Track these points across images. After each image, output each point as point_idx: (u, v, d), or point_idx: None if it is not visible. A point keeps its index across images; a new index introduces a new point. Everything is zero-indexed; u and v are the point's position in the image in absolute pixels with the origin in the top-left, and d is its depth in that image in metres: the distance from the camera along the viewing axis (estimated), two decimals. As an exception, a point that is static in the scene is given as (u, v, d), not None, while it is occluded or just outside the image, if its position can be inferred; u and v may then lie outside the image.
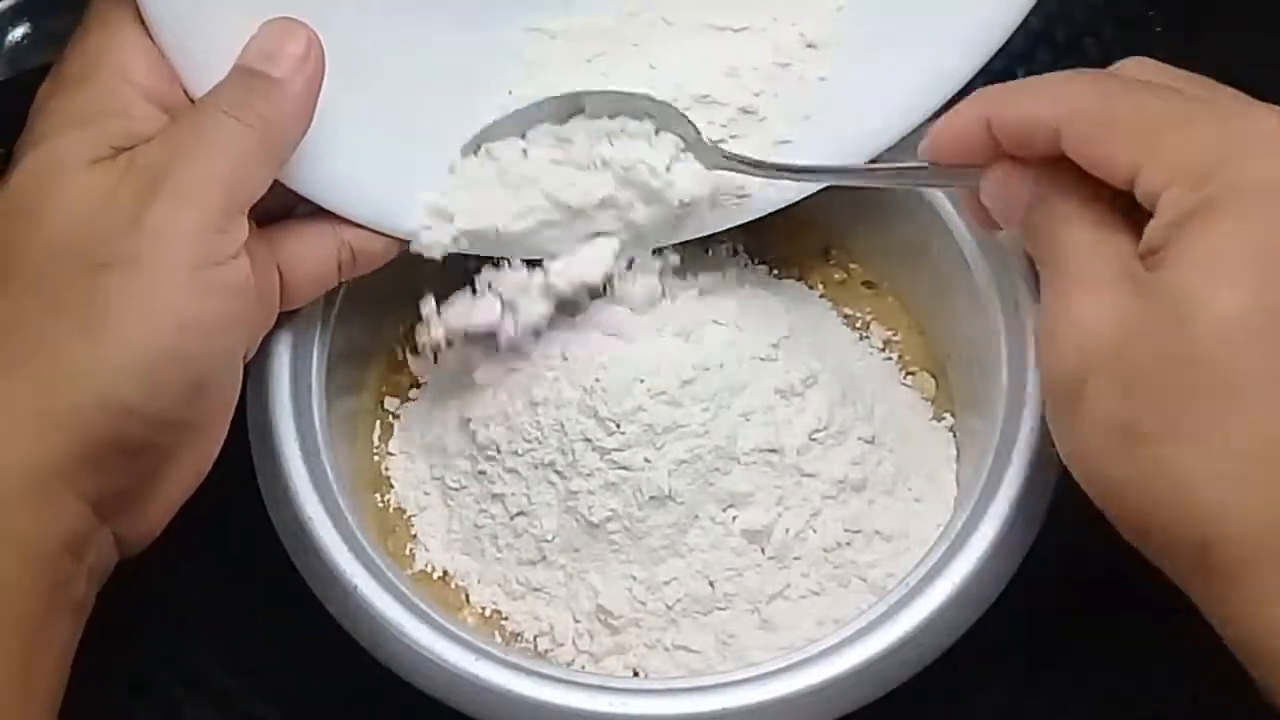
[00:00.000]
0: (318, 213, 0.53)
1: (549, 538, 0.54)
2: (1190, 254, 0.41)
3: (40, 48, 0.69)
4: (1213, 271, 0.41)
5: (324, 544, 0.50)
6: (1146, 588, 0.59)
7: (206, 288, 0.46)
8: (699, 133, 0.54)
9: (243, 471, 0.52)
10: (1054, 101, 0.45)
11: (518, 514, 0.55)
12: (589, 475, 0.53)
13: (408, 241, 0.54)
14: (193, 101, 0.49)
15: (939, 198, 0.56)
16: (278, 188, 0.50)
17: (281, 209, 0.52)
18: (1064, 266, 0.45)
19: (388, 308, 0.60)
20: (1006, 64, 0.69)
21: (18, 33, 0.68)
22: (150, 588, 0.60)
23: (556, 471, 0.54)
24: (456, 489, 0.57)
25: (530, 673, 0.48)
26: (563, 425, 0.54)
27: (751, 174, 0.54)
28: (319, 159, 0.51)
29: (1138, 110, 0.44)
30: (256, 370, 0.53)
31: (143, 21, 0.49)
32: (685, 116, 0.54)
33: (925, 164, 0.50)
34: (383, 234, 0.54)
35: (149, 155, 0.47)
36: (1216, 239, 0.41)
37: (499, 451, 0.55)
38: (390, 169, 0.53)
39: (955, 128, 0.48)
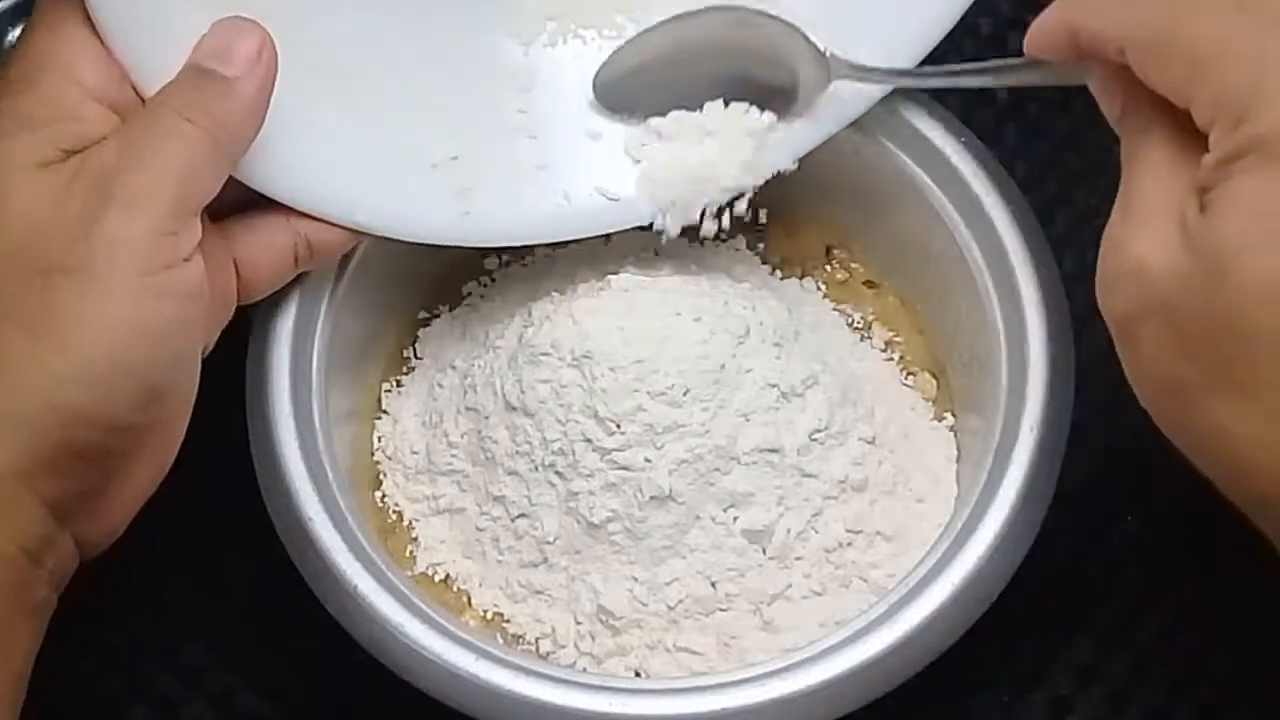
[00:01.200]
0: (272, 206, 0.53)
1: (550, 539, 0.54)
2: (1231, 207, 0.41)
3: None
4: (1252, 229, 0.40)
5: (324, 544, 0.50)
6: (1147, 587, 0.59)
7: (158, 293, 0.46)
8: (817, 47, 0.55)
9: (242, 471, 0.52)
10: (1119, 18, 0.45)
11: (519, 516, 0.55)
12: (589, 476, 0.53)
13: (364, 233, 0.54)
14: (143, 101, 0.49)
15: (939, 197, 0.56)
16: (232, 181, 0.50)
17: (236, 202, 0.52)
18: (1134, 188, 0.44)
19: (387, 307, 0.60)
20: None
21: (17, 33, 0.68)
22: (149, 587, 0.60)
23: (557, 473, 0.54)
24: (457, 492, 0.57)
25: (530, 673, 0.48)
26: (563, 425, 0.54)
27: (866, 79, 0.55)
28: (273, 153, 0.51)
29: (1189, 35, 0.43)
30: (256, 370, 0.53)
31: (90, 21, 0.48)
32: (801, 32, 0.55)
33: (1029, 61, 0.50)
34: (339, 226, 0.54)
35: (99, 158, 0.46)
36: (1255, 193, 0.40)
37: (500, 453, 0.55)
38: (344, 161, 0.54)
39: (1044, 29, 0.48)
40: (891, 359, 0.60)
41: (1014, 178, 0.56)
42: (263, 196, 0.52)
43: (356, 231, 0.54)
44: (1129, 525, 0.59)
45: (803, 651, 0.48)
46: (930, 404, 0.59)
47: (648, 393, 0.53)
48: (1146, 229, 0.43)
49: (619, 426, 0.53)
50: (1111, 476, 0.60)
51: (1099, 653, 0.57)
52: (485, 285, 0.62)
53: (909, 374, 0.60)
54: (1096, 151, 0.67)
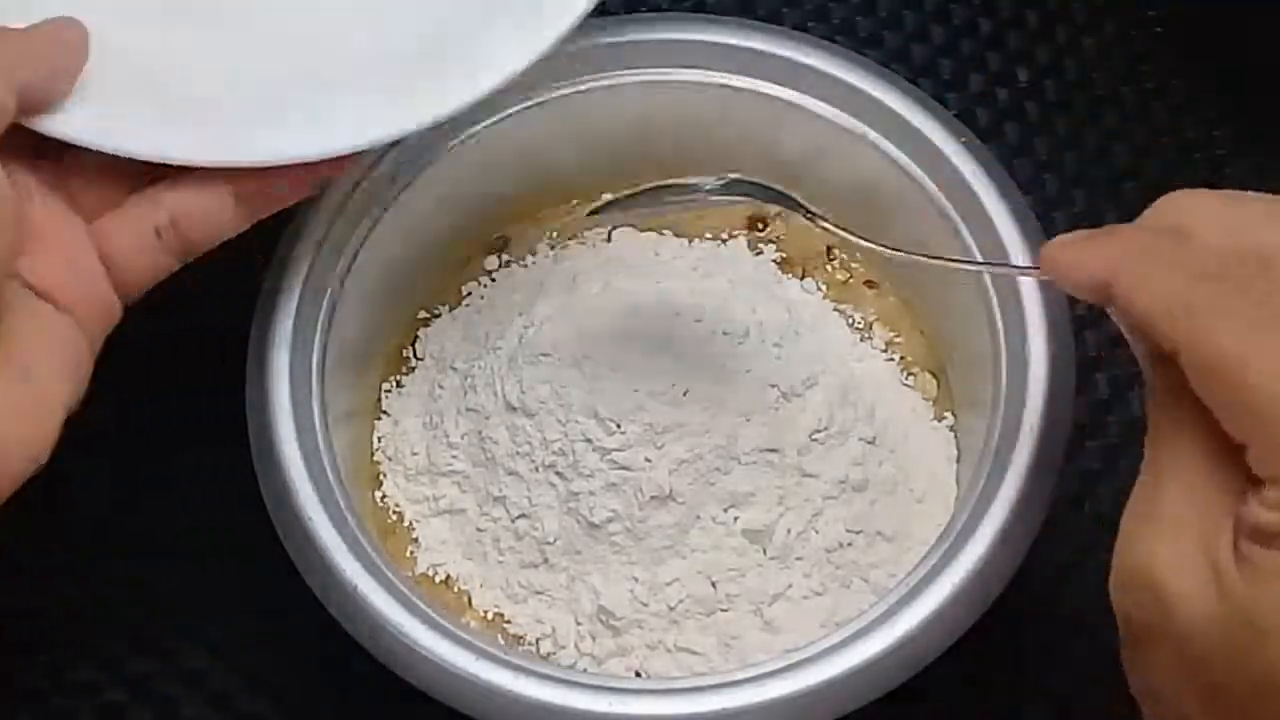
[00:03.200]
0: (132, 193, 0.50)
1: (550, 540, 0.54)
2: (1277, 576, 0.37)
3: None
4: None
5: (324, 544, 0.50)
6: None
7: None
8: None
9: (243, 472, 0.52)
10: (1182, 327, 0.39)
11: (519, 516, 0.55)
12: (590, 476, 0.53)
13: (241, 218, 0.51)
14: None
15: (941, 199, 0.56)
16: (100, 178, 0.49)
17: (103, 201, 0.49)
18: (1163, 492, 0.40)
19: (387, 307, 0.60)
20: (1004, 64, 0.69)
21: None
22: (150, 587, 0.60)
23: (557, 473, 0.54)
24: (457, 493, 0.57)
25: (530, 673, 0.48)
26: (563, 426, 0.54)
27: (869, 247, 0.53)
28: (101, 97, 0.49)
29: (1264, 382, 0.37)
30: (256, 369, 0.53)
31: None
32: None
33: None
34: (208, 182, 0.50)
35: None
36: None
37: (500, 454, 0.55)
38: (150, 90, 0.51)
39: (1076, 266, 0.43)
40: (892, 359, 0.60)
41: (1014, 178, 0.56)
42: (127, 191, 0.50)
43: (232, 214, 0.50)
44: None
45: (803, 651, 0.48)
46: (930, 404, 0.59)
47: (648, 393, 0.53)
48: (1172, 546, 0.39)
49: (619, 426, 0.53)
50: (1111, 476, 0.60)
51: (1100, 654, 0.57)
52: (485, 285, 0.62)
53: (909, 374, 0.60)
54: (1096, 152, 0.67)
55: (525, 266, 0.62)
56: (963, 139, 0.56)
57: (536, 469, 0.54)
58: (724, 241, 0.62)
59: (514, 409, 0.55)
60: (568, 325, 0.55)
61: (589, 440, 0.53)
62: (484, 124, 0.58)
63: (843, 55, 0.58)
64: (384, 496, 0.59)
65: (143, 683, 0.58)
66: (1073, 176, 0.67)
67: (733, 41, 0.58)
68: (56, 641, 0.59)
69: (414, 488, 0.58)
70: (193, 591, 0.60)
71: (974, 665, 0.50)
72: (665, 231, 0.62)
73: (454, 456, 0.57)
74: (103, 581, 0.59)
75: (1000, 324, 0.54)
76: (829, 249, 0.62)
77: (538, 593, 0.55)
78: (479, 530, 0.56)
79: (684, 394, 0.53)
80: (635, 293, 0.56)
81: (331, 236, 0.55)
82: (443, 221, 0.60)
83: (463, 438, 0.57)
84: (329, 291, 0.55)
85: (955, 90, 0.69)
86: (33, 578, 0.60)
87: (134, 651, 0.59)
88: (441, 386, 0.59)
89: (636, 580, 0.54)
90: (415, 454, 0.59)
